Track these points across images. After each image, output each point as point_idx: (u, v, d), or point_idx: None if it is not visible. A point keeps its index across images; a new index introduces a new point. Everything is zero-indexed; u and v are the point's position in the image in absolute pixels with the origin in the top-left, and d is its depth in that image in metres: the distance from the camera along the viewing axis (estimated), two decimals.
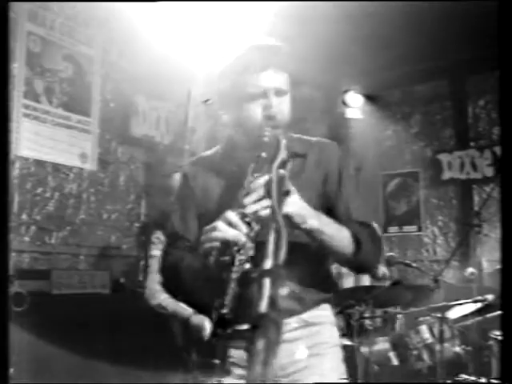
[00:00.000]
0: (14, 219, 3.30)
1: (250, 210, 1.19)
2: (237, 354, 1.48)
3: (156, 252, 3.15)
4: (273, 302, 0.88)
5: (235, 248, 1.16)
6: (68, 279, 3.59)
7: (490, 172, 5.14)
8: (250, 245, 1.17)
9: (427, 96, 5.61)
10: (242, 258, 1.15)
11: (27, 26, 3.52)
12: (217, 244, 1.20)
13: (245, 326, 1.44)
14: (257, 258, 1.15)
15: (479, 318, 3.32)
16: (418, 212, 5.56)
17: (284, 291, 1.36)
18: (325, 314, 1.58)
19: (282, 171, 1.19)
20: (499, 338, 3.17)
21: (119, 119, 4.11)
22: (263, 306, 0.87)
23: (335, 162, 1.57)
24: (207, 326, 3.02)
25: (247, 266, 1.14)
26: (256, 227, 1.19)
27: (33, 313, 3.14)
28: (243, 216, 1.20)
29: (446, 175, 5.42)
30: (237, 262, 1.14)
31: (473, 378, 3.22)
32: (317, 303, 1.54)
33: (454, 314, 3.36)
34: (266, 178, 1.22)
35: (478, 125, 5.36)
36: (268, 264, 0.94)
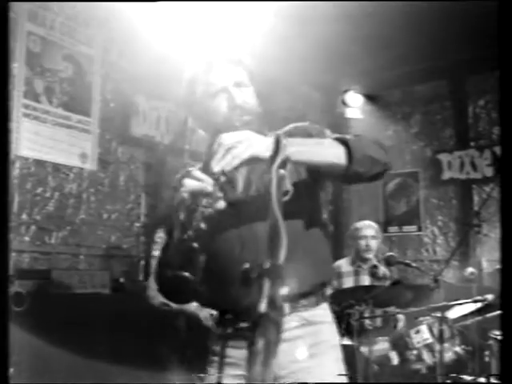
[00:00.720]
0: (14, 219, 3.31)
1: (216, 169, 1.22)
2: (235, 353, 1.48)
3: (158, 252, 3.16)
4: (272, 301, 0.88)
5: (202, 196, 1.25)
6: (68, 279, 3.59)
7: (489, 172, 5.14)
8: (218, 194, 1.26)
9: (427, 96, 5.62)
10: (209, 201, 1.24)
11: (27, 25, 3.52)
12: (185, 195, 1.28)
13: (244, 326, 1.44)
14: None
15: (479, 318, 3.32)
16: (417, 212, 5.56)
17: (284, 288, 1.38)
18: (324, 313, 1.58)
19: (281, 171, 1.19)
20: (499, 337, 3.17)
21: (119, 119, 4.11)
22: (262, 306, 0.87)
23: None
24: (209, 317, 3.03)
25: (212, 209, 1.24)
26: (222, 179, 1.23)
27: (33, 313, 3.14)
28: (211, 175, 1.25)
29: (446, 175, 5.42)
30: (203, 203, 1.24)
31: (472, 378, 3.22)
32: (315, 289, 1.54)
33: (453, 313, 3.36)
34: (228, 138, 1.24)
35: (478, 125, 5.37)
36: (267, 264, 0.94)
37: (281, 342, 0.89)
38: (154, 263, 3.16)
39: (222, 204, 1.28)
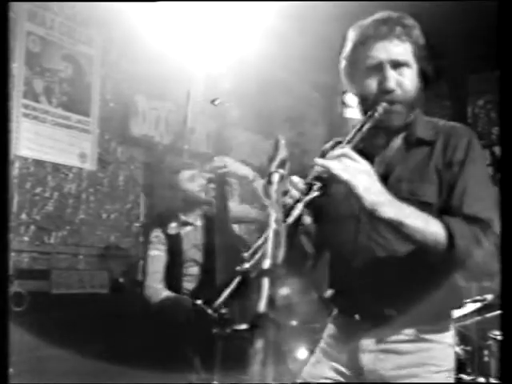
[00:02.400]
0: (13, 219, 3.30)
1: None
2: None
3: (155, 252, 3.14)
4: (272, 301, 0.88)
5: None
6: (67, 279, 3.59)
7: (489, 172, 5.14)
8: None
9: (426, 96, 5.61)
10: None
11: (27, 25, 3.52)
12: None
13: (243, 326, 1.43)
14: None
15: (478, 318, 3.32)
16: None
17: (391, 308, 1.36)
18: (441, 331, 1.43)
19: (281, 171, 1.19)
20: (498, 337, 3.17)
21: (119, 119, 4.11)
22: (262, 306, 0.87)
23: (463, 147, 1.41)
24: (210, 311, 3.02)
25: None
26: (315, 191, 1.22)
27: (32, 312, 3.14)
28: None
29: None
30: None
31: (472, 378, 3.22)
32: (433, 318, 1.40)
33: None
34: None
35: (478, 125, 5.37)
36: (267, 264, 0.94)
37: (281, 343, 0.90)
38: (152, 262, 3.14)
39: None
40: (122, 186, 4.08)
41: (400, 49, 1.42)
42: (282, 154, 1.22)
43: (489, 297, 3.23)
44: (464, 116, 5.44)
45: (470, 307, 3.32)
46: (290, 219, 1.17)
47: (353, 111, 5.65)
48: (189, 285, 3.12)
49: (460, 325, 3.43)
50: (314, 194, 1.20)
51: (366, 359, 1.41)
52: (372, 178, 1.25)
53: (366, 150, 1.40)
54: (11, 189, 3.30)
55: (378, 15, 1.47)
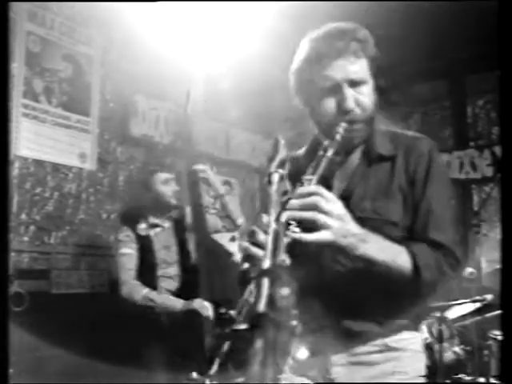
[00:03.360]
0: (13, 219, 3.30)
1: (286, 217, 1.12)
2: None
3: (128, 250, 3.14)
4: (271, 301, 0.88)
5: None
6: (67, 279, 3.59)
7: (489, 172, 5.14)
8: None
9: (426, 96, 5.62)
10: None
11: (27, 25, 3.52)
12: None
13: (243, 326, 1.43)
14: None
15: (478, 318, 3.32)
16: None
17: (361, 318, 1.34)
18: (410, 339, 1.42)
19: (281, 171, 1.19)
20: (498, 337, 3.17)
21: (118, 119, 4.11)
22: (262, 306, 0.87)
23: (423, 164, 1.41)
24: (209, 306, 3.03)
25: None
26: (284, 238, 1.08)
27: (32, 312, 3.14)
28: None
29: None
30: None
31: (471, 378, 3.22)
32: (401, 329, 1.40)
33: (453, 313, 3.37)
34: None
35: (478, 125, 5.37)
36: (266, 264, 0.94)
37: (280, 342, 0.90)
38: (126, 260, 3.12)
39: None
40: (122, 186, 4.08)
41: (356, 66, 1.38)
42: (282, 154, 1.22)
43: (489, 297, 3.23)
44: (464, 116, 5.44)
45: (469, 307, 3.33)
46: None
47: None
48: (164, 284, 3.13)
49: (459, 325, 3.43)
50: (292, 236, 1.11)
51: (337, 372, 1.39)
52: (346, 220, 1.20)
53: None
54: (11, 189, 3.30)
55: (331, 27, 1.40)
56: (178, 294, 3.13)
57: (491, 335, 3.26)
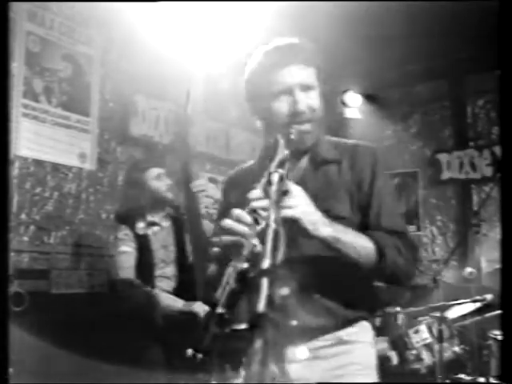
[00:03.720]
0: (13, 219, 3.30)
1: (255, 205, 1.17)
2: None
3: (126, 248, 3.12)
4: (271, 301, 0.88)
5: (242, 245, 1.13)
6: (67, 279, 3.59)
7: (489, 172, 5.14)
8: (254, 241, 1.13)
9: (426, 96, 5.62)
10: (246, 252, 1.13)
11: (26, 25, 3.52)
12: (228, 243, 1.18)
13: (243, 326, 1.43)
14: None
15: (478, 318, 3.33)
16: (416, 212, 5.56)
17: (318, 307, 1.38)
18: (361, 332, 1.50)
19: (280, 171, 1.19)
20: (498, 337, 3.17)
21: (118, 119, 4.11)
22: (261, 306, 0.87)
23: (369, 166, 1.51)
24: (208, 309, 3.02)
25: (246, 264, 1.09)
26: (262, 223, 1.14)
27: (32, 312, 3.14)
28: (251, 212, 1.18)
29: (445, 175, 5.42)
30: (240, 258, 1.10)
31: (471, 378, 3.23)
32: (354, 321, 1.48)
33: (453, 313, 3.37)
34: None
35: (477, 125, 5.37)
36: (266, 264, 0.94)
37: (280, 343, 0.90)
38: (125, 259, 3.11)
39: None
40: (121, 186, 4.07)
41: (306, 72, 1.48)
42: (282, 154, 1.23)
43: (489, 297, 3.23)
44: (464, 116, 5.44)
45: (469, 307, 3.33)
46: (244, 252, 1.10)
47: (352, 111, 5.66)
48: (161, 284, 3.12)
49: (459, 325, 3.44)
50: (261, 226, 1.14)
51: (293, 368, 1.41)
52: (307, 200, 1.28)
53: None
54: (11, 189, 3.30)
55: (280, 42, 1.52)
56: (175, 294, 3.12)
57: (491, 335, 3.26)
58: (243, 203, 1.30)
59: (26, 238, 3.43)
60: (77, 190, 3.77)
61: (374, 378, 1.51)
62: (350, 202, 1.48)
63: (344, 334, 1.46)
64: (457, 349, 3.37)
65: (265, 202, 1.16)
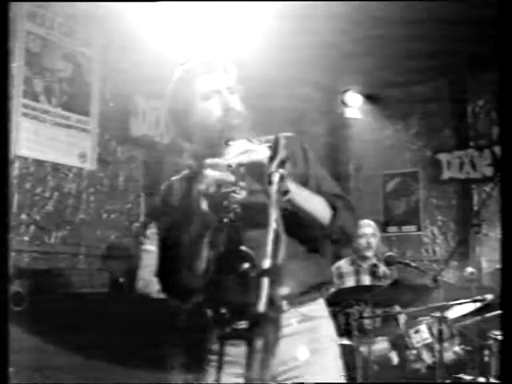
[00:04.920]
0: (13, 219, 3.30)
1: (231, 161, 1.31)
2: (234, 351, 1.48)
3: (150, 247, 3.15)
4: (271, 301, 0.88)
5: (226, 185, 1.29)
6: (67, 279, 3.59)
7: (489, 172, 5.15)
8: (241, 183, 1.30)
9: (427, 96, 5.62)
10: (235, 189, 1.30)
11: (27, 25, 3.52)
12: (209, 186, 1.30)
13: (243, 325, 1.44)
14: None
15: (478, 318, 3.32)
16: (417, 212, 5.57)
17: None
18: (321, 308, 1.61)
19: (281, 170, 1.19)
20: (498, 337, 3.17)
21: (118, 119, 4.11)
22: (262, 306, 0.87)
23: (299, 149, 1.64)
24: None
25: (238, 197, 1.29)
26: (241, 170, 1.30)
27: (32, 312, 3.14)
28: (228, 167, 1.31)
29: (446, 175, 5.42)
30: (230, 191, 1.29)
31: (472, 378, 3.23)
32: (311, 289, 1.56)
33: (453, 313, 3.36)
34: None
35: (478, 124, 5.37)
36: (267, 263, 0.94)
37: (279, 340, 0.90)
38: (147, 257, 3.15)
39: (243, 194, 1.30)
40: (122, 186, 4.08)
41: (229, 78, 1.60)
42: (282, 153, 1.22)
43: (489, 297, 3.23)
44: (464, 116, 5.44)
45: (469, 307, 3.32)
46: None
47: (352, 111, 5.66)
48: None
49: (460, 325, 3.43)
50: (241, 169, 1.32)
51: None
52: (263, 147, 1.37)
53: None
54: (11, 189, 3.30)
55: (200, 58, 1.63)
56: None
57: (491, 335, 3.25)
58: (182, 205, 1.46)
59: (26, 238, 3.44)
60: (77, 189, 3.77)
61: (338, 348, 1.60)
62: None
63: (306, 310, 1.54)
64: (457, 349, 3.36)
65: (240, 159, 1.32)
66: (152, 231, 3.20)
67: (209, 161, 1.35)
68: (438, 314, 3.18)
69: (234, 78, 1.63)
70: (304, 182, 1.56)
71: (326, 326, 1.60)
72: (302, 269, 1.51)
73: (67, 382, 2.99)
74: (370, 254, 3.83)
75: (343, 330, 3.31)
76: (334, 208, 1.53)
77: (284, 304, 1.49)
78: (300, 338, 1.51)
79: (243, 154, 1.34)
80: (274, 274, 0.92)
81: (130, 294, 3.73)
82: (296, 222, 1.43)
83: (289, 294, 1.49)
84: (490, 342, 3.27)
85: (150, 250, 3.16)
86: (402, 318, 3.70)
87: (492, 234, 4.81)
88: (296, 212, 1.43)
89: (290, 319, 1.51)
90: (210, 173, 1.32)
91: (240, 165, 1.32)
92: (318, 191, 1.56)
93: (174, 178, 1.76)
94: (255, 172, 1.35)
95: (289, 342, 1.44)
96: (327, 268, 1.70)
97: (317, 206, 1.50)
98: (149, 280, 3.11)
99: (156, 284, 3.08)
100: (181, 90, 1.61)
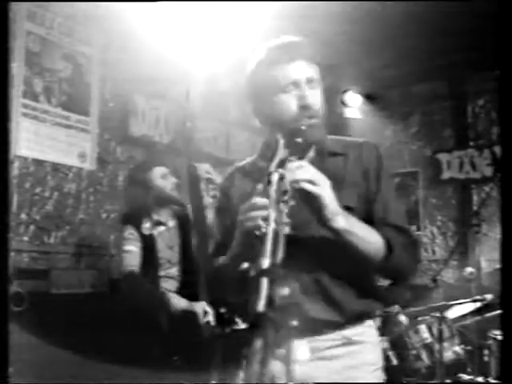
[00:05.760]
0: (12, 219, 3.30)
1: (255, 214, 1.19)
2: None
3: (131, 247, 3.11)
4: (271, 301, 0.88)
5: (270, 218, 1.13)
6: (67, 279, 3.59)
7: (489, 172, 5.14)
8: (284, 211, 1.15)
9: (426, 96, 5.61)
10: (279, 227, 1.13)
11: (27, 25, 3.52)
12: (259, 222, 1.17)
13: (242, 326, 1.43)
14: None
15: (478, 318, 3.32)
16: (416, 212, 5.56)
17: (321, 301, 1.37)
18: (368, 331, 1.49)
19: (280, 170, 1.19)
20: (498, 337, 3.17)
21: (118, 119, 4.11)
22: (261, 306, 0.87)
23: (374, 160, 1.53)
24: (210, 311, 3.02)
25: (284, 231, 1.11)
26: (290, 194, 1.18)
27: (32, 312, 3.14)
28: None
29: (446, 175, 5.42)
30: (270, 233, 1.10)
31: (471, 378, 3.23)
32: (359, 317, 1.46)
33: (453, 313, 3.37)
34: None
35: (477, 124, 5.37)
36: (266, 263, 0.94)
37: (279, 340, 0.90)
38: (129, 257, 3.11)
39: (286, 230, 1.11)
40: (122, 186, 4.07)
41: (311, 68, 1.49)
42: (281, 153, 1.22)
43: (489, 297, 3.23)
44: (464, 116, 5.43)
45: (469, 307, 3.33)
46: (271, 222, 1.11)
47: (352, 111, 5.65)
48: (166, 285, 3.12)
49: (459, 324, 3.43)
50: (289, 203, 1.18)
51: (299, 369, 1.36)
52: (330, 189, 1.29)
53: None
54: (11, 189, 3.30)
55: (282, 40, 1.52)
56: (178, 294, 3.12)
57: (491, 335, 3.26)
58: (243, 201, 1.33)
59: (25, 238, 3.43)
60: (77, 189, 3.77)
61: (383, 377, 1.51)
62: (357, 193, 1.48)
63: (351, 333, 1.44)
64: (457, 349, 3.36)
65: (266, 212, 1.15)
66: (129, 232, 3.16)
67: (256, 201, 1.23)
68: (437, 314, 3.19)
69: (316, 69, 1.51)
70: (369, 202, 1.48)
71: (371, 353, 1.47)
72: (348, 291, 1.42)
73: (67, 382, 2.99)
74: None
75: None
76: (389, 246, 1.38)
77: (328, 329, 1.41)
78: (338, 363, 1.41)
79: (302, 179, 1.23)
80: (273, 274, 0.92)
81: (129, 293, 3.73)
82: (343, 251, 1.36)
83: (335, 321, 1.41)
84: (490, 341, 3.27)
85: (131, 250, 3.12)
86: (403, 318, 3.69)
87: (491, 234, 4.80)
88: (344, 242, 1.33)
89: (331, 341, 1.42)
90: (253, 213, 1.21)
91: (294, 188, 1.20)
92: (383, 217, 1.45)
93: (235, 167, 1.67)
94: (307, 202, 1.27)
95: (327, 366, 1.39)
96: (377, 288, 1.57)
97: (368, 245, 1.36)
98: (133, 281, 3.08)
99: (140, 285, 3.06)
100: (258, 75, 1.51)
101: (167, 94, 4.35)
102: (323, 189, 1.26)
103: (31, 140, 3.50)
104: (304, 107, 1.43)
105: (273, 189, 1.14)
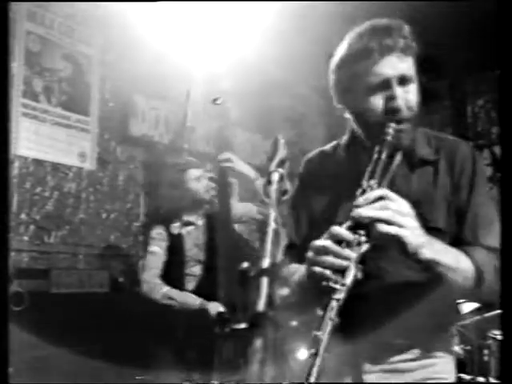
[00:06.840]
0: (12, 218, 3.30)
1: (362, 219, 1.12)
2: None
3: (155, 248, 3.14)
4: (270, 301, 0.88)
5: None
6: (67, 279, 3.59)
7: (488, 172, 5.14)
8: (355, 267, 1.10)
9: (427, 96, 5.61)
10: (345, 282, 1.09)
11: (27, 25, 3.52)
12: (326, 271, 1.10)
13: (243, 325, 1.43)
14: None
15: (478, 318, 3.32)
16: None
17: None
18: (443, 346, 1.40)
19: (280, 170, 1.19)
20: (498, 337, 3.17)
21: (118, 119, 4.11)
22: (261, 306, 0.87)
23: (469, 167, 1.36)
24: (223, 310, 3.01)
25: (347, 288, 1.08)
26: (364, 245, 1.11)
27: (32, 312, 3.14)
28: (352, 228, 1.12)
29: None
30: (338, 287, 1.08)
31: (471, 378, 3.23)
32: (438, 335, 1.37)
33: None
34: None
35: (477, 124, 5.37)
36: (266, 263, 0.94)
37: (281, 342, 0.89)
38: (152, 259, 3.13)
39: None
40: (122, 186, 4.08)
41: (405, 64, 1.31)
42: (282, 153, 1.22)
43: None
44: (464, 116, 5.43)
45: (469, 307, 3.32)
46: (348, 280, 1.09)
47: None
48: (190, 284, 3.12)
49: (460, 324, 3.43)
50: (364, 247, 1.12)
51: (369, 380, 1.36)
52: (413, 220, 1.16)
53: (362, 169, 1.26)
54: (11, 188, 3.30)
55: (378, 23, 1.37)
56: (198, 293, 3.10)
57: (491, 335, 3.25)
58: (323, 192, 1.29)
59: (25, 238, 3.43)
60: (77, 189, 3.77)
61: None
62: (447, 209, 1.34)
63: (428, 349, 1.36)
64: (457, 348, 3.36)
65: (372, 212, 1.11)
66: (157, 231, 3.18)
67: (335, 230, 1.13)
68: None
69: (413, 60, 1.33)
70: (461, 216, 1.33)
71: (445, 367, 1.39)
72: (425, 308, 1.31)
73: (67, 382, 2.99)
74: None
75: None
76: (480, 274, 1.24)
77: (415, 352, 1.34)
78: (405, 376, 1.34)
79: (379, 218, 1.12)
80: (273, 274, 0.92)
81: (130, 294, 3.73)
82: (426, 291, 1.27)
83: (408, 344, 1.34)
84: (490, 341, 3.27)
85: (155, 251, 3.14)
86: None
87: None
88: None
89: (405, 354, 1.35)
90: (324, 258, 1.12)
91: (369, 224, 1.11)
92: (473, 236, 1.31)
93: (314, 152, 1.55)
94: (386, 241, 1.15)
95: (399, 378, 1.34)
96: (453, 302, 1.49)
97: (456, 275, 1.22)
98: (153, 283, 3.09)
99: (160, 287, 3.08)
100: (344, 72, 1.37)
101: (167, 94, 4.35)
102: (405, 228, 1.14)
103: (31, 140, 3.50)
104: (391, 111, 1.29)
105: (273, 188, 1.14)
